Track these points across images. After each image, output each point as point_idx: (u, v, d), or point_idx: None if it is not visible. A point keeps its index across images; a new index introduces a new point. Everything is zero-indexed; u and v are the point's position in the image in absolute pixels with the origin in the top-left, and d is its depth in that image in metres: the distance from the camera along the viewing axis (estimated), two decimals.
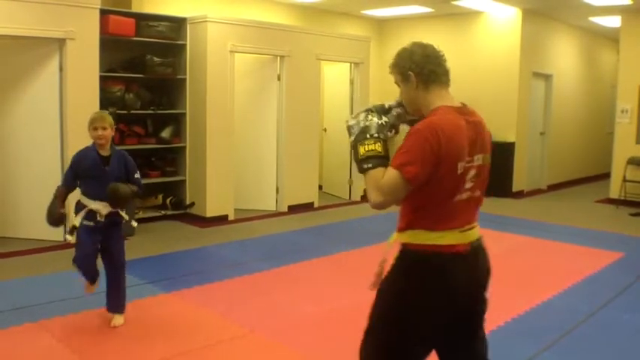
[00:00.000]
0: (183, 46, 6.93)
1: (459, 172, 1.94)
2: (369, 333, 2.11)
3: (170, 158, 7.20)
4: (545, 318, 4.07)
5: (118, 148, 3.93)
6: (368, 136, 2.01)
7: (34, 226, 5.66)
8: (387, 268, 2.12)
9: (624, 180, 8.64)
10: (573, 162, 11.06)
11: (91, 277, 3.94)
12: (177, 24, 6.90)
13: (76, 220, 3.74)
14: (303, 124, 7.86)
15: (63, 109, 5.68)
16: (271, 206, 7.77)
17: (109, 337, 3.63)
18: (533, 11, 9.06)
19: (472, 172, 2.00)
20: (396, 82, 2.13)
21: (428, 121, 1.96)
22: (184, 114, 7.03)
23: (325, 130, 9.14)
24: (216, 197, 7.00)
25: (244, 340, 3.66)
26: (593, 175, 11.52)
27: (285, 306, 4.24)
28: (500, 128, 8.69)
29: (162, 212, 7.02)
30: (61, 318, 3.88)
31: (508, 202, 8.77)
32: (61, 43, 5.62)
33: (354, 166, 7.70)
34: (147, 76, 6.65)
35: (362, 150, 1.99)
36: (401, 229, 2.06)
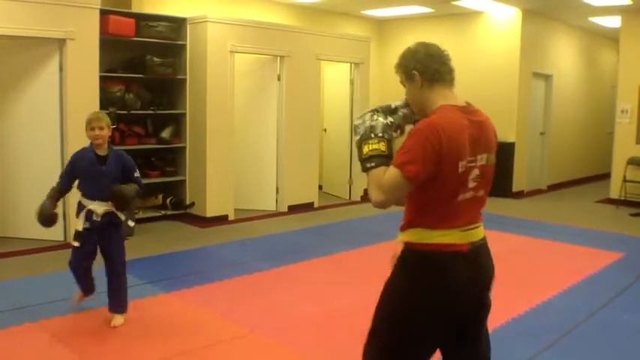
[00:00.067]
0: (183, 47, 6.93)
1: (460, 170, 1.94)
2: (372, 333, 2.11)
3: (170, 158, 7.20)
4: (545, 318, 4.08)
5: (118, 148, 3.94)
6: (372, 135, 2.02)
7: (34, 226, 5.59)
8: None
9: (624, 180, 8.65)
10: (573, 162, 11.07)
11: (84, 287, 3.97)
12: (177, 24, 6.90)
13: (78, 225, 3.75)
14: (303, 124, 7.86)
15: (63, 109, 5.68)
16: (271, 206, 7.77)
17: (109, 337, 3.63)
18: (533, 11, 9.06)
19: (475, 172, 2.00)
20: (401, 82, 2.13)
21: (429, 120, 1.96)
22: (184, 114, 7.03)
23: (325, 130, 9.15)
24: (216, 197, 7.00)
25: (244, 340, 3.66)
26: (593, 175, 11.52)
27: (285, 306, 4.24)
28: (500, 128, 8.60)
29: (163, 212, 7.03)
30: (61, 318, 3.88)
31: (508, 202, 8.78)
32: (61, 43, 5.62)
33: (354, 166, 7.70)
34: (147, 76, 6.65)
35: (366, 149, 2.00)
36: (403, 228, 2.07)
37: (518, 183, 9.41)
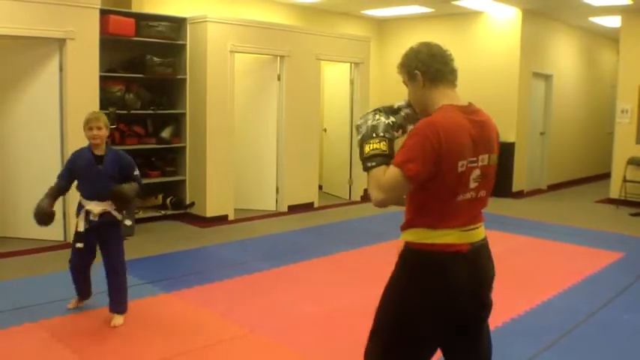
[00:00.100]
0: (183, 46, 6.93)
1: (460, 170, 1.94)
2: (373, 333, 2.12)
3: (170, 158, 7.20)
4: (545, 318, 4.08)
5: (117, 148, 3.95)
6: (374, 135, 2.03)
7: (34, 226, 5.57)
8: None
9: (624, 180, 8.65)
10: (573, 162, 11.07)
11: (80, 290, 3.99)
12: (177, 24, 6.90)
13: (79, 226, 3.76)
14: (303, 124, 7.86)
15: (63, 109, 5.68)
16: (271, 206, 7.77)
17: (109, 337, 3.63)
18: (533, 11, 9.06)
19: (476, 172, 2.00)
20: (403, 82, 2.14)
21: (429, 119, 1.97)
22: (184, 114, 7.04)
23: (325, 130, 9.15)
24: (216, 197, 7.00)
25: (244, 340, 3.66)
26: (593, 175, 11.52)
27: (285, 306, 4.24)
28: (501, 128, 8.49)
29: (163, 212, 7.03)
30: (61, 318, 3.88)
31: (508, 202, 8.78)
32: (61, 43, 5.62)
33: (354, 166, 7.71)
34: (147, 76, 6.65)
35: (367, 148, 2.01)
36: (403, 228, 2.08)
37: (518, 183, 9.41)
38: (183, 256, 5.58)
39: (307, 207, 7.98)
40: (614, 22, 9.41)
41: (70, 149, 4.69)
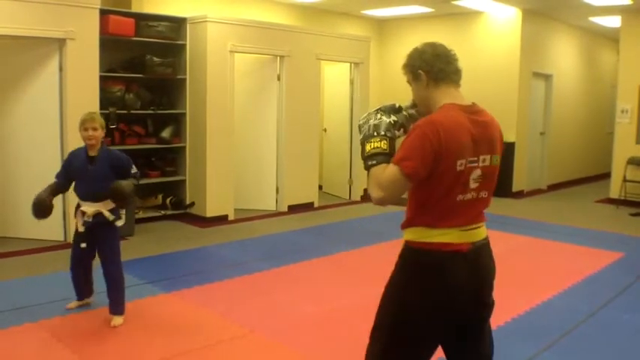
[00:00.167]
0: (183, 46, 6.93)
1: (459, 169, 1.94)
2: (374, 333, 2.12)
3: (170, 158, 7.20)
4: (545, 318, 4.08)
5: (115, 148, 3.95)
6: (375, 134, 2.04)
7: (34, 226, 5.64)
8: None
9: (624, 180, 8.65)
10: (573, 162, 11.07)
11: (80, 290, 4.01)
12: (177, 24, 6.90)
13: (79, 227, 3.79)
14: (303, 124, 7.86)
15: (63, 109, 5.68)
16: (271, 206, 7.77)
17: (109, 337, 3.63)
18: (533, 11, 9.06)
19: (477, 172, 2.00)
20: (408, 82, 2.15)
21: (429, 117, 1.98)
22: (184, 114, 7.03)
23: (325, 130, 9.15)
24: (216, 197, 7.00)
25: (244, 340, 3.66)
26: (593, 175, 11.52)
27: (285, 306, 4.24)
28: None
29: (163, 212, 7.03)
30: (61, 318, 3.88)
31: (508, 202, 8.78)
32: (61, 43, 5.62)
33: (354, 166, 7.70)
34: (147, 76, 6.65)
35: (368, 147, 2.03)
36: (404, 226, 2.08)
37: (519, 183, 9.41)
38: (183, 256, 5.58)
39: (307, 207, 7.98)
40: (614, 22, 9.41)
41: (70, 149, 4.69)
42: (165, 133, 6.95)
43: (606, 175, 9.83)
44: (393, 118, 2.09)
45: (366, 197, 8.30)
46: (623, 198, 8.67)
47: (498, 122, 2.15)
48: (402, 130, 2.11)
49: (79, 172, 3.80)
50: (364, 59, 8.69)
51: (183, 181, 7.13)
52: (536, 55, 9.48)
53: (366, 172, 2.02)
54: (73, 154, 3.91)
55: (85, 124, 3.74)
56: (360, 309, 3.44)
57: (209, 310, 4.11)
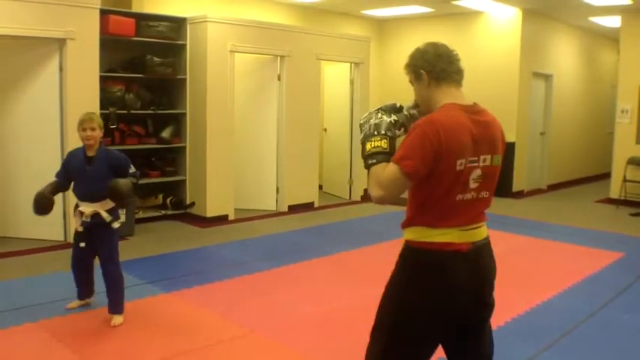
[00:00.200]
0: (184, 46, 6.93)
1: (458, 169, 1.94)
2: (374, 333, 2.12)
3: (170, 158, 7.20)
4: (545, 318, 4.08)
5: (113, 148, 3.96)
6: (375, 133, 2.05)
7: (34, 226, 5.67)
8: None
9: (624, 180, 8.65)
10: (573, 162, 11.06)
11: (81, 289, 4.02)
12: (178, 24, 6.90)
13: (77, 226, 3.80)
14: (303, 124, 7.86)
15: (63, 109, 5.68)
16: (271, 206, 7.77)
17: (109, 337, 3.63)
18: (533, 11, 9.06)
19: (477, 172, 2.00)
20: (410, 82, 2.16)
21: (429, 116, 1.98)
22: (184, 114, 7.03)
23: (325, 130, 9.15)
24: (216, 197, 7.00)
25: (244, 340, 3.66)
26: (593, 175, 11.52)
27: (285, 306, 4.24)
28: None
29: (163, 212, 7.03)
30: (61, 318, 3.88)
31: (508, 202, 8.78)
32: (61, 43, 5.62)
33: (354, 166, 7.69)
34: (147, 76, 6.65)
35: (368, 146, 2.03)
36: (404, 225, 2.08)
37: (519, 183, 9.41)
38: (184, 256, 5.58)
39: (307, 207, 7.98)
40: (614, 22, 9.41)
41: (70, 149, 4.70)
42: (166, 133, 6.95)
43: (606, 175, 9.82)
44: (394, 117, 2.09)
45: (366, 197, 8.30)
46: (623, 198, 8.67)
47: (500, 122, 2.15)
48: (402, 129, 2.12)
49: (77, 173, 3.81)
50: (364, 59, 8.69)
51: (184, 181, 7.13)
52: (537, 55, 9.48)
53: (366, 171, 2.03)
54: (72, 154, 3.93)
55: (83, 125, 3.75)
56: (360, 309, 3.44)
57: (209, 310, 4.11)
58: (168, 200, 7.11)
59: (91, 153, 3.79)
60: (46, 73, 5.71)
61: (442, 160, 1.91)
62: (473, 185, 2.00)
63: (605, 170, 10.36)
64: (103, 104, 6.09)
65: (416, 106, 2.16)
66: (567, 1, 8.33)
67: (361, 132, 2.10)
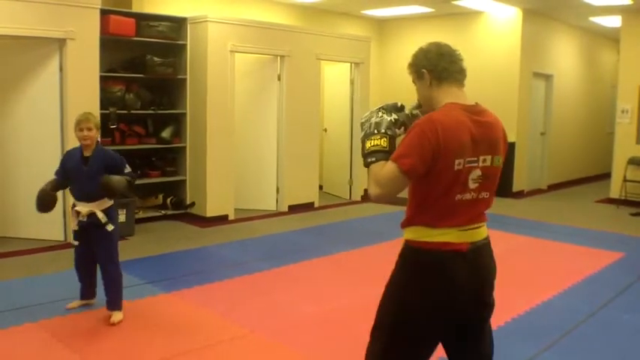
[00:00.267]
0: (184, 46, 6.93)
1: (456, 168, 1.94)
2: (374, 333, 2.12)
3: (170, 158, 7.20)
4: (545, 318, 4.08)
5: (110, 147, 3.98)
6: (375, 131, 2.05)
7: (34, 226, 5.67)
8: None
9: (625, 180, 8.65)
10: (573, 162, 11.06)
11: (83, 289, 4.04)
12: (178, 24, 6.90)
13: (73, 225, 3.84)
14: (304, 124, 7.86)
15: (63, 109, 5.68)
16: (272, 206, 7.77)
17: (109, 337, 3.63)
18: (533, 11, 9.06)
19: (477, 173, 1.99)
20: (413, 82, 2.16)
21: (428, 116, 1.99)
22: (185, 114, 7.03)
23: (325, 130, 9.15)
24: (216, 197, 7.00)
25: (244, 340, 3.66)
26: (593, 175, 11.52)
27: (285, 306, 4.24)
28: None
29: (163, 212, 7.03)
30: (62, 318, 3.88)
31: (508, 201, 8.78)
32: (61, 43, 5.62)
33: (355, 166, 7.69)
34: (147, 76, 6.65)
35: (368, 145, 2.04)
36: (403, 225, 2.08)
37: (519, 183, 9.41)
38: (184, 256, 5.58)
39: (307, 207, 7.98)
40: (614, 22, 9.41)
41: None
42: (166, 133, 6.95)
43: (606, 175, 9.82)
44: (394, 116, 2.10)
45: (366, 197, 8.30)
46: (623, 198, 8.67)
47: (502, 123, 2.15)
48: (402, 128, 2.12)
49: (73, 173, 3.84)
50: (364, 59, 8.69)
51: (184, 181, 7.13)
52: (537, 55, 9.47)
53: (366, 171, 2.03)
54: (69, 154, 3.98)
55: (79, 125, 3.77)
56: (360, 309, 3.44)
57: (209, 310, 4.11)
58: (168, 200, 7.11)
59: (87, 153, 3.81)
60: (47, 73, 5.71)
61: (440, 159, 1.91)
62: (472, 185, 2.00)
63: (606, 170, 10.35)
64: (104, 104, 6.09)
65: (419, 106, 2.17)
66: (567, 1, 8.33)
67: (362, 130, 2.11)
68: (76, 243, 3.85)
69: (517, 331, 3.82)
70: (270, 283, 4.81)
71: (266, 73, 7.68)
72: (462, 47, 2.29)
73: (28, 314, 3.90)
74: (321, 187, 8.76)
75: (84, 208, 3.79)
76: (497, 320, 3.76)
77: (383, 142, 2.02)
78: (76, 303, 4.04)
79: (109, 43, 6.19)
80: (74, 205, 3.87)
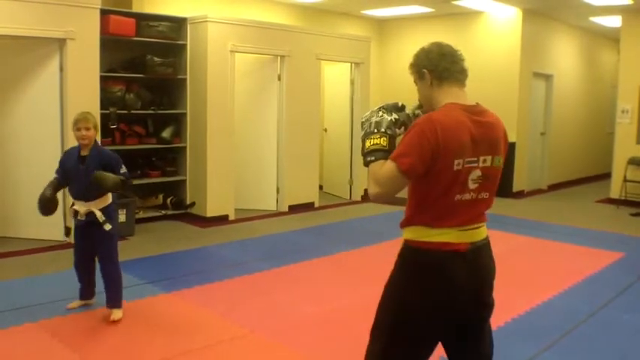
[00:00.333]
0: (184, 46, 6.93)
1: (456, 168, 1.94)
2: (373, 333, 2.12)
3: (171, 158, 7.20)
4: (545, 318, 4.08)
5: (115, 148, 3.99)
6: (375, 131, 2.05)
7: (34, 226, 5.67)
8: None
9: (625, 180, 8.65)
10: (574, 162, 11.06)
11: (83, 288, 4.05)
12: (178, 24, 6.90)
13: (69, 222, 3.87)
14: (304, 124, 7.86)
15: (63, 109, 5.67)
16: (272, 206, 7.77)
17: (109, 337, 3.63)
18: (533, 11, 9.06)
19: (477, 173, 1.99)
20: (414, 82, 2.16)
21: (428, 115, 1.99)
22: (185, 114, 7.03)
23: (326, 130, 9.15)
24: (216, 197, 7.00)
25: (244, 340, 3.66)
26: (593, 175, 11.52)
27: (285, 306, 4.24)
28: None
29: (163, 212, 7.03)
30: (62, 318, 3.88)
31: (508, 202, 8.78)
32: (61, 43, 5.62)
33: (355, 166, 7.69)
34: (147, 76, 6.65)
35: (368, 144, 2.04)
36: (402, 225, 2.08)
37: (519, 183, 9.41)
38: (184, 256, 5.58)
39: (308, 207, 7.98)
40: (614, 22, 9.41)
41: None
42: (166, 133, 6.95)
43: (607, 175, 9.82)
44: (395, 115, 2.10)
45: (366, 197, 8.30)
46: (623, 198, 8.66)
47: (503, 123, 2.15)
48: (402, 128, 2.13)
49: (71, 172, 3.86)
50: (364, 59, 8.69)
51: (184, 181, 7.13)
52: (537, 55, 9.47)
53: (366, 170, 2.03)
54: (67, 154, 4.01)
55: (78, 124, 3.77)
56: (360, 309, 3.44)
57: (209, 310, 4.11)
58: (168, 200, 7.11)
59: (85, 152, 3.82)
60: (47, 73, 5.71)
61: (439, 159, 1.91)
62: (472, 186, 1.99)
63: (606, 170, 10.35)
64: (104, 104, 6.10)
65: (421, 106, 2.17)
66: (567, 1, 8.33)
67: (362, 129, 2.11)
68: (67, 240, 3.86)
69: (517, 331, 3.82)
70: (270, 283, 4.81)
71: (266, 73, 7.68)
72: (462, 47, 2.30)
73: (28, 314, 3.90)
74: (321, 187, 8.76)
75: (82, 207, 3.81)
76: (497, 320, 3.76)
77: (383, 142, 2.02)
78: (76, 303, 4.04)
79: (109, 43, 6.19)
80: (72, 204, 3.89)
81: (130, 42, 6.54)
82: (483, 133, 2.01)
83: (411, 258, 2.04)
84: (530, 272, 5.20)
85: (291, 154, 7.73)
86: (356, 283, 4.77)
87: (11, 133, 5.82)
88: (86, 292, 4.05)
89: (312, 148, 8.09)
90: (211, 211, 6.98)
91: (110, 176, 3.68)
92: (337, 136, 9.01)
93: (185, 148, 7.08)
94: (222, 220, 7.05)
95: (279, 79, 7.62)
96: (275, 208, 7.76)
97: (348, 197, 8.81)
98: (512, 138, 8.97)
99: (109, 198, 3.88)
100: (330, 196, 8.96)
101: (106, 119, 6.12)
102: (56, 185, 3.91)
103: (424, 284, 1.99)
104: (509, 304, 4.17)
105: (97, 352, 3.42)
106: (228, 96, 7.00)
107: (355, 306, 4.16)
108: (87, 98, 5.69)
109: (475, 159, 1.98)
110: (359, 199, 8.68)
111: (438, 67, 2.06)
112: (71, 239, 4.00)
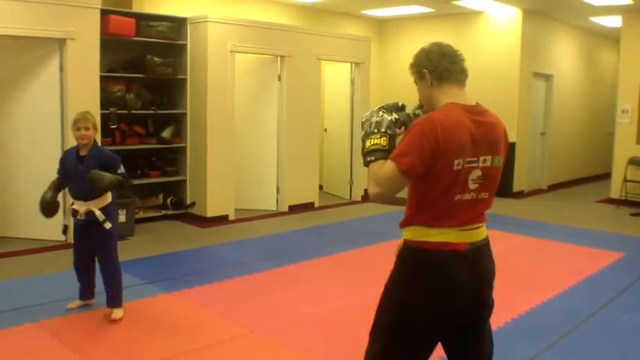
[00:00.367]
0: (184, 46, 6.93)
1: (456, 168, 1.94)
2: (373, 332, 2.12)
3: (171, 158, 7.20)
4: (545, 318, 4.08)
5: (116, 148, 3.99)
6: (375, 131, 2.05)
7: (34, 226, 5.67)
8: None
9: (625, 180, 8.65)
10: (574, 162, 11.06)
11: (82, 288, 4.05)
12: (178, 24, 6.90)
13: (67, 220, 3.88)
14: (304, 124, 7.86)
15: (63, 110, 5.68)
16: (272, 206, 7.77)
17: (109, 337, 3.63)
18: (533, 11, 9.06)
19: (477, 173, 1.99)
20: (415, 82, 2.17)
21: (428, 115, 1.99)
22: (185, 114, 7.04)
23: (326, 130, 9.15)
24: (216, 197, 7.00)
25: (244, 340, 3.66)
26: (593, 175, 11.52)
27: (285, 306, 4.24)
28: None
29: (163, 212, 7.03)
30: (62, 318, 3.88)
31: (508, 202, 8.78)
32: (61, 43, 5.62)
33: (355, 166, 7.69)
34: (147, 76, 6.65)
35: (368, 144, 2.04)
36: (402, 225, 2.08)
37: (519, 183, 9.41)
38: (184, 256, 5.58)
39: (308, 207, 7.98)
40: (614, 22, 9.41)
41: None
42: (166, 133, 6.95)
43: (607, 175, 9.82)
44: (395, 115, 2.10)
45: (366, 197, 8.30)
46: (623, 198, 8.66)
47: (504, 123, 2.15)
48: (403, 127, 2.13)
49: (70, 172, 3.86)
50: (365, 59, 8.69)
51: (184, 181, 7.13)
52: (537, 55, 9.47)
53: (366, 170, 2.03)
54: (66, 154, 4.03)
55: (77, 124, 3.78)
56: (360, 309, 3.44)
57: (209, 310, 4.11)
58: (168, 200, 7.11)
59: (84, 152, 3.83)
60: (47, 73, 5.71)
61: (439, 159, 1.91)
62: (472, 186, 1.99)
63: (606, 170, 10.35)
64: (104, 104, 6.10)
65: (421, 106, 2.17)
66: (567, 1, 8.33)
67: (362, 129, 2.11)
68: (63, 237, 3.87)
69: (517, 331, 3.82)
70: (270, 283, 4.81)
71: (266, 73, 7.68)
72: (462, 47, 2.30)
73: (28, 314, 3.90)
74: (321, 187, 8.76)
75: (81, 207, 3.81)
76: (497, 320, 3.76)
77: (383, 141, 2.02)
78: (76, 303, 4.05)
79: (109, 43, 6.19)
80: (72, 204, 3.89)
81: (130, 42, 6.54)
82: (483, 133, 2.01)
83: (411, 258, 2.04)
84: (530, 272, 5.21)
85: (291, 154, 7.73)
86: (356, 283, 4.77)
87: (11, 133, 5.82)
88: (86, 292, 4.06)
89: (312, 148, 8.09)
90: (211, 211, 6.98)
91: (106, 175, 3.68)
92: (337, 136, 9.01)
93: (185, 148, 7.08)
94: (222, 220, 7.05)
95: (279, 79, 7.62)
96: (275, 208, 7.76)
97: (348, 197, 8.81)
98: (512, 138, 8.97)
99: (108, 197, 3.89)
100: (330, 196, 8.96)
101: (106, 119, 6.12)
102: (57, 186, 3.93)
103: (424, 284, 1.99)
104: (509, 304, 4.17)
105: (97, 353, 3.42)
106: (228, 96, 7.00)
107: (355, 306, 4.16)
108: (87, 98, 5.69)
109: (475, 159, 1.98)
110: (359, 199, 8.68)
111: (439, 67, 2.06)
112: (69, 238, 4.00)
